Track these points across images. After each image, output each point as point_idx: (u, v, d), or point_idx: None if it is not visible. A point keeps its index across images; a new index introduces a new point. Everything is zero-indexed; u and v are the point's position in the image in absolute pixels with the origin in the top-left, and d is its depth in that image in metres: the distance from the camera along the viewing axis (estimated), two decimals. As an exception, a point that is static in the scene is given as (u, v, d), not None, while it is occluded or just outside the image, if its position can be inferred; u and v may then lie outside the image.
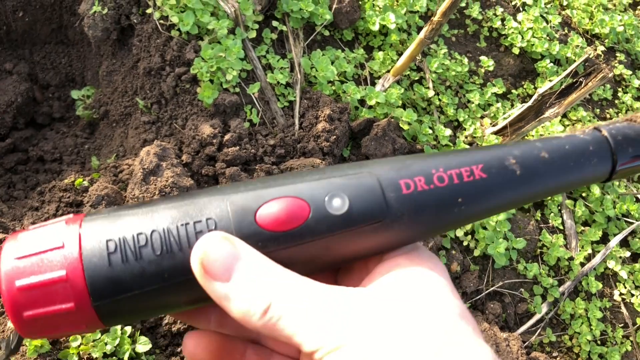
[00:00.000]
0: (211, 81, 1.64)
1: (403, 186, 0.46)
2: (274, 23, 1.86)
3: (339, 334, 0.38)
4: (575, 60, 2.36)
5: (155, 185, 1.40)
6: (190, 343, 0.52)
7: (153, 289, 0.42)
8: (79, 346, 1.20)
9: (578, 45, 2.40)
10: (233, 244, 0.42)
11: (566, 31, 2.51)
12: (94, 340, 1.21)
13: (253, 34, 1.77)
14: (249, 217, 0.44)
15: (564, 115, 2.31)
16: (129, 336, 1.24)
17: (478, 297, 1.80)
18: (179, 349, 1.32)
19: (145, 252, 0.42)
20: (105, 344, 1.21)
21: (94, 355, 1.20)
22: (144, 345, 1.25)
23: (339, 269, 0.54)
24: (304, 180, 0.46)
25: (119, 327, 1.23)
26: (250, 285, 0.40)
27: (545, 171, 0.49)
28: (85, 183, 1.54)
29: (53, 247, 0.42)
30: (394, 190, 0.45)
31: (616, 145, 0.51)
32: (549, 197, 2.02)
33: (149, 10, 1.70)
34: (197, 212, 0.44)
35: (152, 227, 0.43)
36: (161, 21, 1.69)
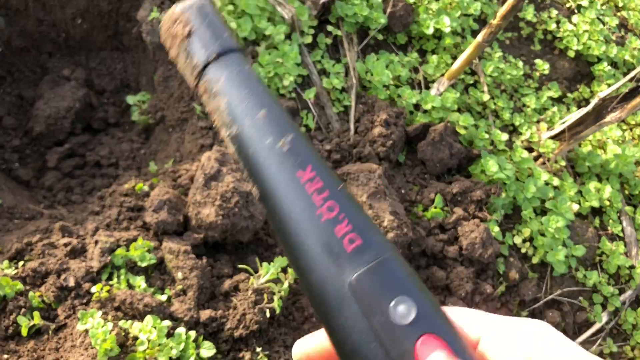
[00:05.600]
0: (268, 86, 1.64)
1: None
2: (329, 28, 1.85)
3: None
4: (633, 63, 2.29)
5: (216, 190, 1.41)
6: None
7: None
8: (145, 350, 1.21)
9: (636, 48, 2.34)
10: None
11: (623, 33, 2.44)
12: (159, 345, 1.22)
13: (309, 39, 1.77)
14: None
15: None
16: (193, 340, 1.25)
17: (536, 305, 1.76)
18: (240, 354, 1.32)
19: None
20: (171, 348, 1.21)
21: (160, 359, 1.20)
22: (208, 350, 1.25)
23: None
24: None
25: (183, 331, 1.24)
26: None
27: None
28: (146, 188, 1.55)
29: None
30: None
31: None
32: (608, 204, 1.96)
33: (206, 16, 1.72)
34: None
35: None
36: (219, 27, 1.70)
